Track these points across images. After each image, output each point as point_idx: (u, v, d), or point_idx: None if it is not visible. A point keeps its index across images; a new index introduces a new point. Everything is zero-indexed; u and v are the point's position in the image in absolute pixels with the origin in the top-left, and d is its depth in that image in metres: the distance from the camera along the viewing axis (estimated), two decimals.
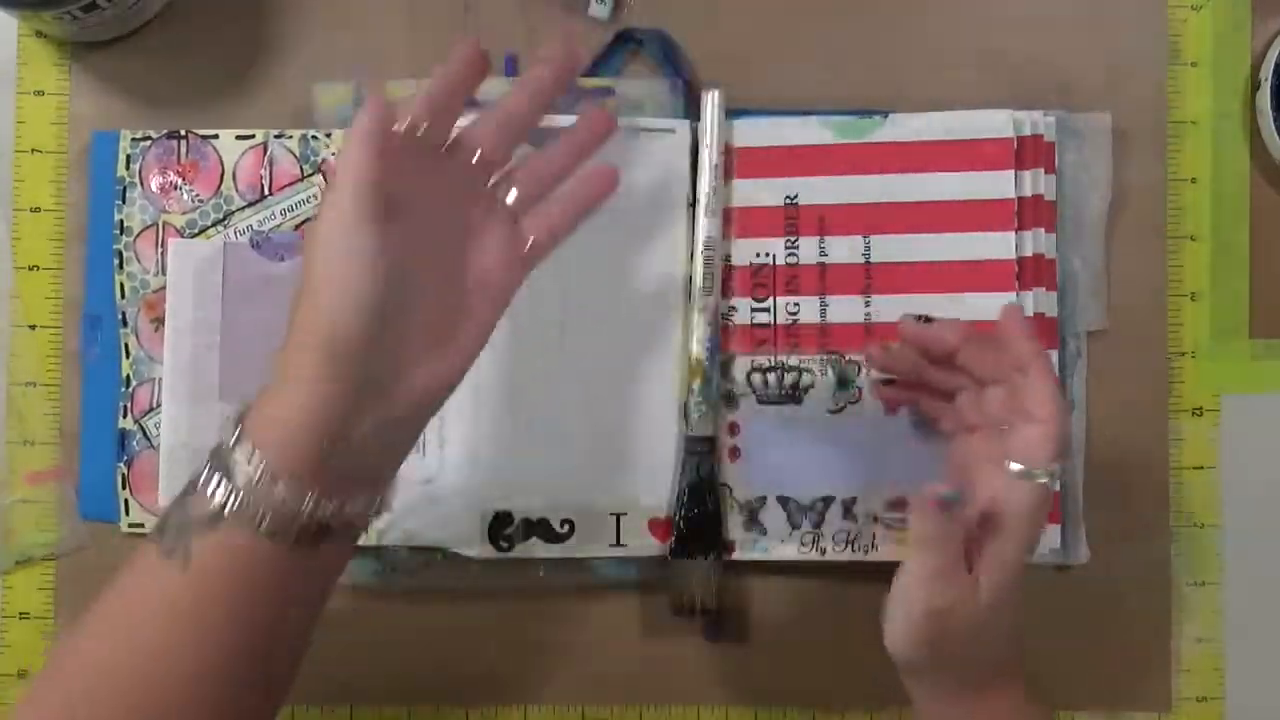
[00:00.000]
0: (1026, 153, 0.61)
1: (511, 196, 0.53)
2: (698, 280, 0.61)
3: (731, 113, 0.63)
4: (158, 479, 0.62)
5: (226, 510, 0.45)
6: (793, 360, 0.62)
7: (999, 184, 0.61)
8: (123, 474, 0.63)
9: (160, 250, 0.63)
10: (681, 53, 0.64)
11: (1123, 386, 0.63)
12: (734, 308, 0.62)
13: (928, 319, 0.56)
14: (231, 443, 0.45)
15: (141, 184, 0.63)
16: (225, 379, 0.62)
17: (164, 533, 0.45)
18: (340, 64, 0.64)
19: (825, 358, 0.62)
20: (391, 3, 0.64)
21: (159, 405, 0.63)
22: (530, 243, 0.53)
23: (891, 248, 0.61)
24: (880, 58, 0.64)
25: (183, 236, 0.63)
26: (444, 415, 0.61)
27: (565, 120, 0.61)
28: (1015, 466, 0.50)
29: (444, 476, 0.62)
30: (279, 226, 0.63)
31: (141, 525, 0.63)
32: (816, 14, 0.64)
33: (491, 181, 0.53)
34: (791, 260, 0.62)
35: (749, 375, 0.62)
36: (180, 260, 0.62)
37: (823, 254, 0.62)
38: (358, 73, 0.63)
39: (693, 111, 0.63)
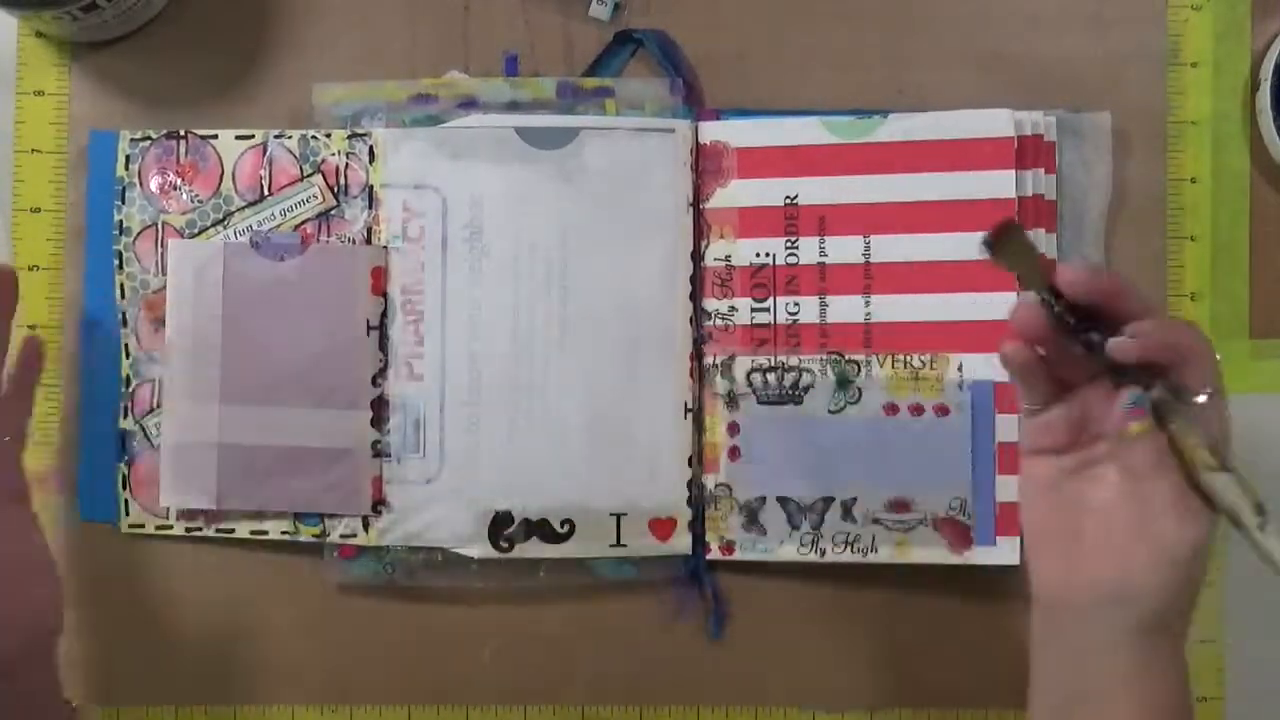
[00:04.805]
0: (1027, 152, 0.61)
1: None
2: None
3: (731, 113, 0.63)
4: (158, 479, 0.62)
5: None
6: (793, 360, 0.62)
7: (999, 184, 0.61)
8: (123, 474, 0.63)
9: (160, 250, 0.63)
10: (681, 53, 0.64)
11: None
12: (734, 308, 0.62)
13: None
14: None
15: (141, 184, 0.63)
16: (226, 378, 0.61)
17: None
18: (340, 64, 0.64)
19: (825, 358, 0.62)
20: (391, 3, 0.64)
21: (160, 405, 0.63)
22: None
23: (892, 248, 0.61)
24: (880, 58, 0.64)
25: (183, 237, 0.63)
26: (444, 415, 0.61)
27: (559, 120, 0.62)
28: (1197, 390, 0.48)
29: (444, 476, 0.62)
30: (279, 227, 0.62)
31: (141, 525, 0.63)
32: (816, 14, 0.64)
33: None
34: (791, 260, 0.62)
35: (749, 375, 0.62)
36: (181, 260, 0.62)
37: (823, 254, 0.62)
38: (357, 73, 0.64)
39: (693, 111, 0.63)
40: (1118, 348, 0.48)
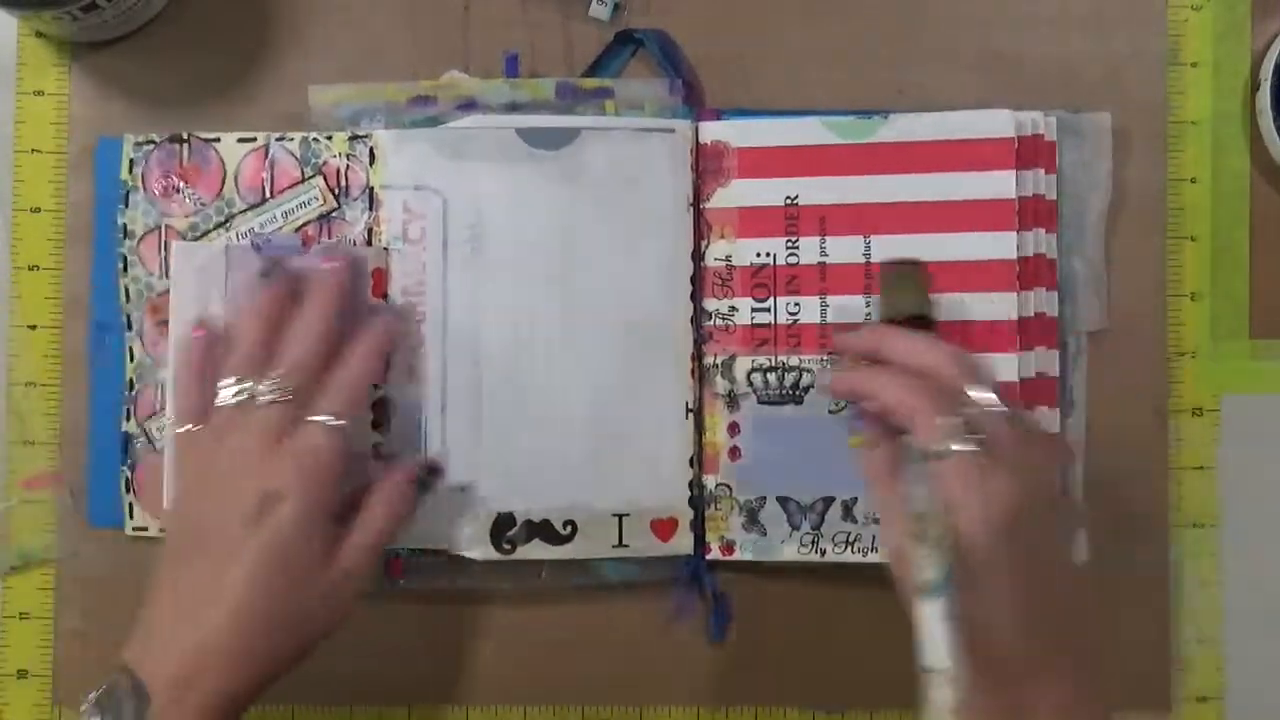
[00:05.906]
0: (1027, 152, 0.61)
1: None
2: None
3: (732, 112, 0.63)
4: (159, 482, 0.61)
5: None
6: (793, 360, 0.62)
7: (1000, 184, 0.61)
8: (126, 478, 0.63)
9: (163, 254, 0.63)
10: (681, 53, 0.64)
11: (1123, 386, 0.63)
12: (735, 308, 0.62)
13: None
14: None
15: (144, 188, 0.63)
16: None
17: None
18: (340, 64, 0.64)
19: (826, 358, 0.62)
20: (391, 3, 0.64)
21: (162, 408, 0.62)
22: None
23: (893, 248, 0.61)
24: (880, 58, 0.64)
25: (185, 240, 0.62)
26: (446, 416, 0.61)
27: (560, 121, 0.61)
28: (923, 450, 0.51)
29: (446, 479, 0.61)
30: (280, 229, 0.62)
31: (145, 529, 0.63)
32: (816, 14, 0.64)
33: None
34: (792, 260, 0.62)
35: (749, 375, 0.62)
36: (183, 263, 0.61)
37: (823, 254, 0.62)
38: (357, 73, 0.64)
39: (693, 111, 0.63)
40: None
